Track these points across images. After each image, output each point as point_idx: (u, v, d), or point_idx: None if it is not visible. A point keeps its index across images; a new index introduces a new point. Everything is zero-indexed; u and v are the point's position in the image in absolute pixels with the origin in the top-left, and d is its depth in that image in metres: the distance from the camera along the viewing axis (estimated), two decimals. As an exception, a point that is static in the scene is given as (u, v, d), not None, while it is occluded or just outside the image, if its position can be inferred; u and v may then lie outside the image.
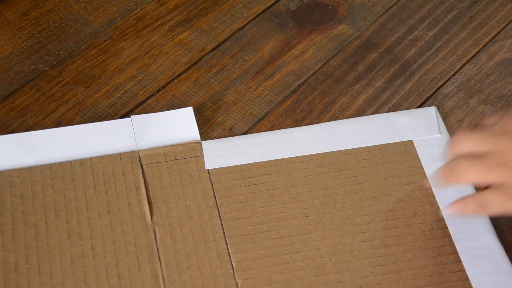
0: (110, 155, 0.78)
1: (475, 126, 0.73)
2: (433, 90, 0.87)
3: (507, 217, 0.71)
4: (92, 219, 0.73)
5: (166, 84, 0.86)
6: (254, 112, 0.84)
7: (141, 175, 0.76)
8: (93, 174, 0.76)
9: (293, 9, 0.94)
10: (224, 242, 0.72)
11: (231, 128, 0.83)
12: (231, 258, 0.71)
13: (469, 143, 0.69)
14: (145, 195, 0.75)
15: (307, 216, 0.75)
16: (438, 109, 0.85)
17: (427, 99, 0.86)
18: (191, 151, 0.79)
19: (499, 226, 0.75)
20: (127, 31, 0.91)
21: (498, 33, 0.93)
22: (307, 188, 0.76)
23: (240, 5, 0.95)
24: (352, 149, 0.80)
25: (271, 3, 0.95)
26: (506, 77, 0.89)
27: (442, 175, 0.70)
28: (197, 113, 0.83)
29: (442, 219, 0.75)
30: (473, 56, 0.91)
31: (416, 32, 0.93)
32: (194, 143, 0.79)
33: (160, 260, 0.71)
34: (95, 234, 0.72)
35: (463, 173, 0.69)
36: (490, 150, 0.68)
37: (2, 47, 0.88)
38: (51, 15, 0.92)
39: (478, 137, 0.69)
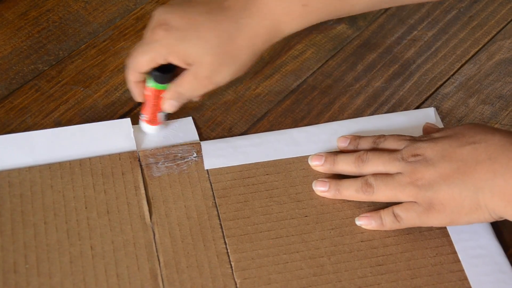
0: (109, 155, 0.78)
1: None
2: (432, 90, 0.87)
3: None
4: (91, 219, 0.73)
5: (166, 84, 0.86)
6: (253, 112, 0.84)
7: (140, 175, 0.76)
8: (92, 174, 0.76)
9: (293, 9, 0.94)
10: (223, 242, 0.72)
11: (231, 128, 0.83)
12: (230, 257, 0.71)
13: (380, 163, 0.73)
14: (144, 195, 0.75)
15: (306, 216, 0.75)
16: (437, 109, 0.85)
17: (426, 99, 0.86)
18: (190, 151, 0.79)
19: (498, 226, 0.75)
20: (126, 31, 0.91)
21: (498, 33, 0.93)
22: (306, 188, 0.76)
23: (240, 5, 0.94)
24: (351, 149, 0.80)
25: (270, 3, 0.95)
26: (505, 77, 0.89)
27: (355, 190, 0.73)
28: (197, 113, 0.83)
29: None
30: (472, 56, 0.91)
31: (415, 32, 0.93)
32: (193, 143, 0.79)
33: (159, 260, 0.71)
34: (94, 234, 0.72)
35: (377, 189, 0.72)
36: (399, 171, 0.72)
37: (2, 47, 0.88)
38: (50, 15, 0.92)
39: (388, 159, 0.73)
